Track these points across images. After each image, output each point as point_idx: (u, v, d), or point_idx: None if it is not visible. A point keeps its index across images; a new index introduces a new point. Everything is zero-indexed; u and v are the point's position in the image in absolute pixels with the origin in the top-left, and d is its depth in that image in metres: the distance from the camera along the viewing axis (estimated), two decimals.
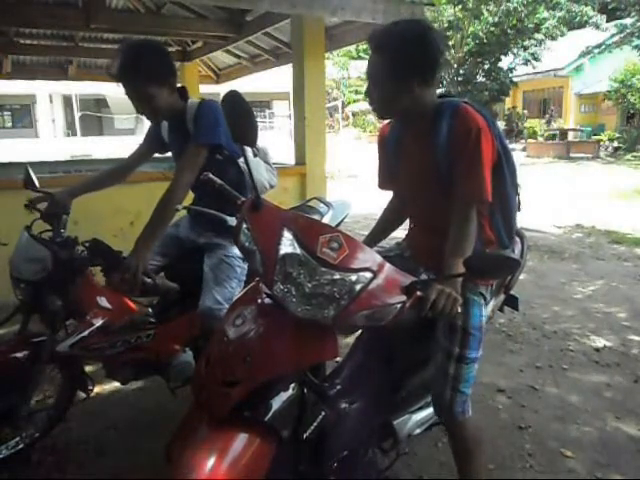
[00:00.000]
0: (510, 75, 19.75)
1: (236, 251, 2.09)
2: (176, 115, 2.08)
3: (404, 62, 1.45)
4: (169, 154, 2.32)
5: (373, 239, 1.92)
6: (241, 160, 2.08)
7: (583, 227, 7.08)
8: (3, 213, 3.34)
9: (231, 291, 2.10)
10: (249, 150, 2.22)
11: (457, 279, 1.40)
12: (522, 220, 1.84)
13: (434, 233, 1.66)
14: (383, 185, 1.90)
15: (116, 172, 2.34)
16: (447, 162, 1.54)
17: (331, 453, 1.44)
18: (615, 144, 18.60)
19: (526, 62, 19.34)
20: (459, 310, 1.35)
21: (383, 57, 1.48)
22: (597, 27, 17.94)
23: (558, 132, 19.59)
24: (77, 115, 24.40)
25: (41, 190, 2.12)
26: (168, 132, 2.22)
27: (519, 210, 1.79)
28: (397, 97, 1.52)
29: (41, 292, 1.93)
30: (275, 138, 18.52)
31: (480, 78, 19.80)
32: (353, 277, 1.23)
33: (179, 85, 2.11)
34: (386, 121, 1.80)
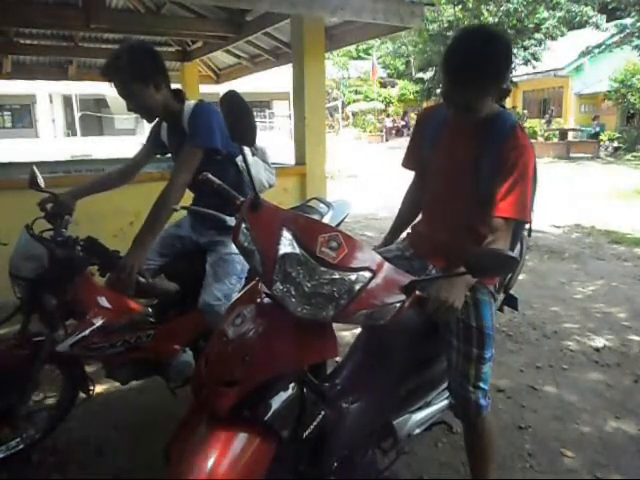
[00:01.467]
0: (510, 75, 19.76)
1: None
2: (173, 116, 2.11)
3: (496, 78, 1.50)
4: (169, 154, 2.32)
5: (396, 231, 1.94)
6: (240, 159, 2.09)
7: (583, 227, 7.08)
8: (3, 213, 3.34)
9: (230, 287, 2.11)
10: (248, 150, 2.23)
11: (463, 277, 1.37)
12: None
13: (451, 230, 1.68)
14: (408, 164, 1.89)
15: (121, 174, 2.35)
16: (491, 171, 1.55)
17: (331, 453, 1.44)
18: (615, 144, 18.59)
19: (526, 62, 19.32)
20: (459, 309, 1.35)
21: (469, 82, 1.47)
22: (597, 27, 17.93)
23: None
24: (77, 115, 24.41)
25: (45, 190, 2.12)
26: (167, 133, 2.24)
27: (529, 235, 1.86)
28: (481, 105, 1.53)
29: (38, 290, 1.93)
30: (275, 138, 18.52)
31: None
32: (352, 276, 1.23)
33: (175, 87, 2.14)
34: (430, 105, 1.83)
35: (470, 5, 18.24)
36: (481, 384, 1.65)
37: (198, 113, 2.04)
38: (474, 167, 1.59)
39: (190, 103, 2.11)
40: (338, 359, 1.64)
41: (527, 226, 1.79)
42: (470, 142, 1.62)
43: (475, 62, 1.43)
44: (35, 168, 2.15)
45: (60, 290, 1.94)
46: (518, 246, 1.91)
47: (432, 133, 1.73)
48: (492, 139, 1.57)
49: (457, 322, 1.64)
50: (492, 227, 1.54)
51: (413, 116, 27.93)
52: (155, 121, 2.25)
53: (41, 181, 2.13)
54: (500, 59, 1.48)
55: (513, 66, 19.54)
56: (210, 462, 1.15)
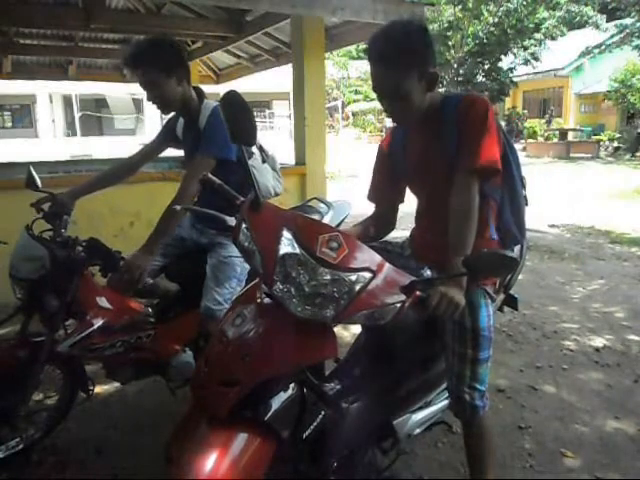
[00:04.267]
0: (510, 75, 19.74)
1: (237, 250, 2.10)
2: (190, 113, 2.13)
3: (406, 57, 1.44)
4: (168, 154, 2.32)
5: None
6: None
7: (583, 227, 7.07)
8: (3, 213, 3.34)
9: (231, 291, 2.10)
10: (258, 155, 2.24)
11: (461, 277, 1.38)
12: None
13: (439, 228, 1.67)
14: (371, 196, 1.87)
15: (125, 167, 2.34)
16: (454, 142, 1.53)
17: (331, 453, 1.44)
18: (615, 144, 18.59)
19: (526, 62, 19.32)
20: (459, 309, 1.35)
21: (387, 64, 1.46)
22: (597, 27, 17.94)
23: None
24: (77, 115, 24.38)
25: (43, 190, 2.12)
26: (183, 129, 2.25)
27: (527, 204, 1.78)
28: (410, 96, 1.49)
29: (38, 291, 1.93)
30: (275, 138, 18.51)
31: (480, 78, 19.78)
32: (352, 277, 1.23)
33: (195, 85, 2.16)
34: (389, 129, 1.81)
35: (470, 5, 18.22)
36: (477, 385, 1.64)
37: (215, 120, 2.00)
38: (438, 148, 1.57)
39: (210, 103, 2.11)
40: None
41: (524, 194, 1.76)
42: (428, 130, 1.60)
43: (387, 49, 1.44)
44: (31, 168, 2.14)
45: (60, 291, 1.94)
46: (518, 246, 1.91)
47: (399, 150, 1.73)
48: (445, 117, 1.55)
49: (452, 323, 1.63)
50: (454, 186, 1.50)
51: None
52: (171, 115, 2.26)
53: (38, 181, 2.12)
54: (412, 42, 1.45)
55: (513, 66, 19.63)
56: (210, 462, 1.16)
